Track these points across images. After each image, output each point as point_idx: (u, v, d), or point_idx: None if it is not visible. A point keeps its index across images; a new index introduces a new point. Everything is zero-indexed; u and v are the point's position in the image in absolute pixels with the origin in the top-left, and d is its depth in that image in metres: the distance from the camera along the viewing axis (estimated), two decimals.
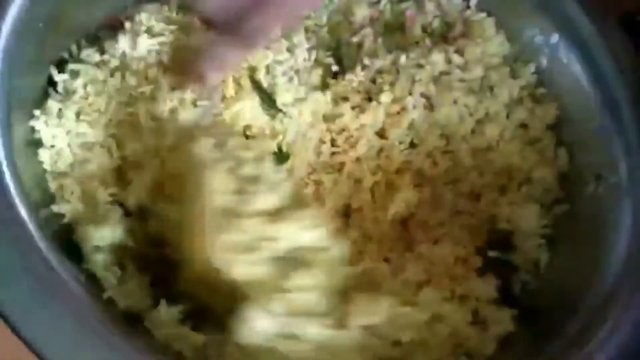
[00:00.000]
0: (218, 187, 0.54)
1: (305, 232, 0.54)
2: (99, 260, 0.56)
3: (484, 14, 0.70)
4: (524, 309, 0.61)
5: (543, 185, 0.65)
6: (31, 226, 0.52)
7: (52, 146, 0.59)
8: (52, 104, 0.60)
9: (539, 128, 0.67)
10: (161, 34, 0.63)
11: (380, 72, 0.66)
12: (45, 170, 0.59)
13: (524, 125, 0.67)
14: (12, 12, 0.57)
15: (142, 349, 0.50)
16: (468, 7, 0.71)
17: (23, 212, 0.52)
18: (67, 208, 0.57)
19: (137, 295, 0.56)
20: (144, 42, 0.62)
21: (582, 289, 0.58)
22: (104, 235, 0.56)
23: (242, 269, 0.52)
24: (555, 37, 0.68)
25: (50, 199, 0.58)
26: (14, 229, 0.51)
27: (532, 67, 0.69)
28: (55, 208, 0.57)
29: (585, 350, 0.55)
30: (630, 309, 0.55)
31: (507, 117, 0.66)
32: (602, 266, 0.59)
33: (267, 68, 0.65)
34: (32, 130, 0.59)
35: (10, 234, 0.50)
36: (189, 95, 0.61)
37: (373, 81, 0.66)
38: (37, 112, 0.60)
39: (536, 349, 0.57)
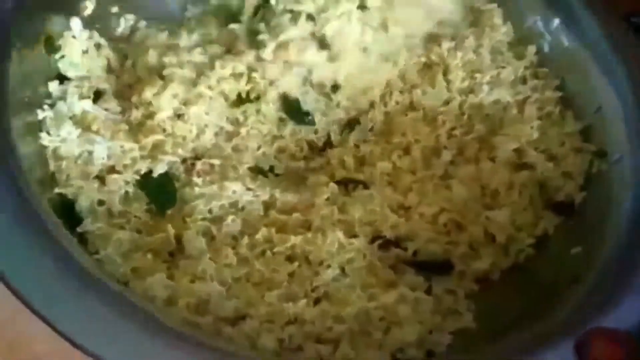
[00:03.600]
0: None
1: None
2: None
3: (494, 5, 0.72)
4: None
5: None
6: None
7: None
8: (54, 89, 0.62)
9: (542, 100, 0.67)
10: None
11: None
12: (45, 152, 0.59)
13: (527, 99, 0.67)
14: None
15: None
16: None
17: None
18: (68, 190, 0.58)
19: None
20: None
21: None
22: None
23: None
24: (556, 22, 0.69)
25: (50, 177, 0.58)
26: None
27: (533, 49, 0.70)
28: (57, 190, 0.57)
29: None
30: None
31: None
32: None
33: None
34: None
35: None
36: None
37: None
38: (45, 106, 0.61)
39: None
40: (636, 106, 0.62)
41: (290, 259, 0.56)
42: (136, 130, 0.63)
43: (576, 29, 0.68)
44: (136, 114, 0.64)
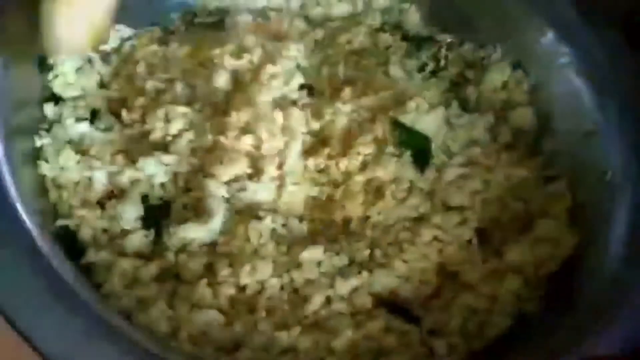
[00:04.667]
0: None
1: None
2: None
3: None
4: None
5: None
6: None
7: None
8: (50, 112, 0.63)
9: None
10: None
11: None
12: (45, 181, 0.60)
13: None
14: None
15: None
16: None
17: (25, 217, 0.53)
18: (70, 222, 0.59)
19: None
20: None
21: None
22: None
23: None
24: (550, 35, 0.70)
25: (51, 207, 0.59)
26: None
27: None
28: (59, 222, 0.59)
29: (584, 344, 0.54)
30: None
31: None
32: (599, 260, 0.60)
33: None
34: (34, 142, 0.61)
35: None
36: None
37: None
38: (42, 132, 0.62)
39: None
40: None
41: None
42: (132, 149, 0.63)
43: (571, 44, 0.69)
44: (131, 131, 0.64)
